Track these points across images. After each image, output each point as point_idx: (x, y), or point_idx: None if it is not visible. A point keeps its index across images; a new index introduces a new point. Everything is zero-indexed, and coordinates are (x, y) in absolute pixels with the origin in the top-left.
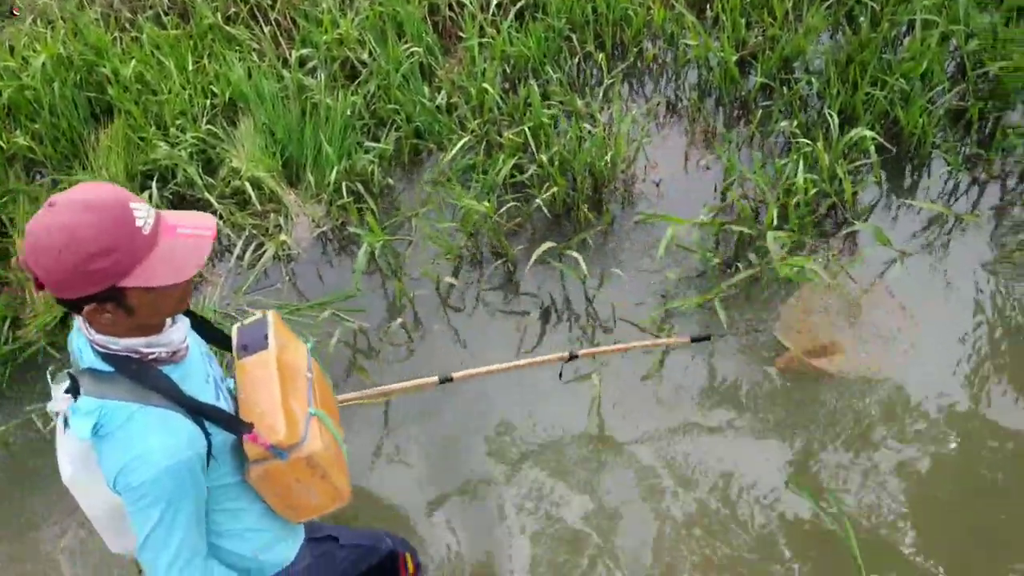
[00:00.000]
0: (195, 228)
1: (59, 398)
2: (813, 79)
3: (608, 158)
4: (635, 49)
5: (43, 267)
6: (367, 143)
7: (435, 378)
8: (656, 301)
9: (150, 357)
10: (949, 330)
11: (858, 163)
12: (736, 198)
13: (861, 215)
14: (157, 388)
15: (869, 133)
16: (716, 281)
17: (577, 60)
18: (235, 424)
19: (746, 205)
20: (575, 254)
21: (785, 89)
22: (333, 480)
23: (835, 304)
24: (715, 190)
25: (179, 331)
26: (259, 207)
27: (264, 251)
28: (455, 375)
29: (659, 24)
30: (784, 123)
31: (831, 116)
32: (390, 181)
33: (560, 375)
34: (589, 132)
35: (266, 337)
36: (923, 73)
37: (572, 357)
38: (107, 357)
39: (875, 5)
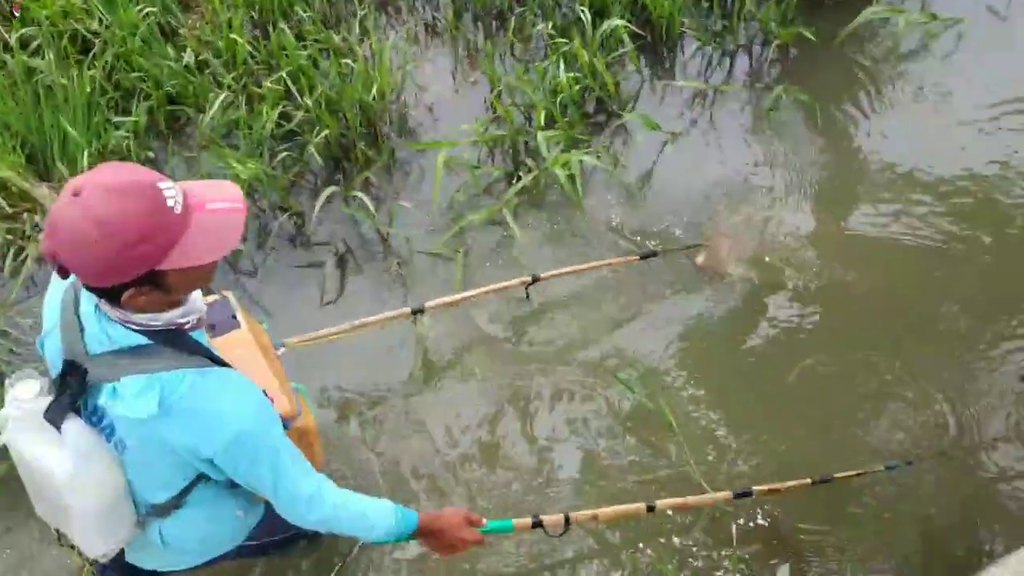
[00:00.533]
0: (224, 201)
1: (26, 400)
2: None
3: (375, 91)
4: None
5: (78, 261)
6: (116, 119)
7: (407, 309)
8: (449, 225)
9: (187, 326)
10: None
11: (616, 54)
12: (502, 109)
13: (627, 104)
14: (198, 352)
15: (620, 22)
16: (502, 193)
17: None
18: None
19: (512, 111)
20: (360, 194)
21: None
22: (316, 451)
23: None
24: (484, 103)
25: (199, 298)
26: (9, 210)
27: (25, 256)
28: (428, 305)
29: None
30: (540, 26)
31: (583, 12)
32: (150, 154)
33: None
34: (351, 68)
35: (234, 317)
36: None
37: (535, 280)
38: (146, 333)
39: None
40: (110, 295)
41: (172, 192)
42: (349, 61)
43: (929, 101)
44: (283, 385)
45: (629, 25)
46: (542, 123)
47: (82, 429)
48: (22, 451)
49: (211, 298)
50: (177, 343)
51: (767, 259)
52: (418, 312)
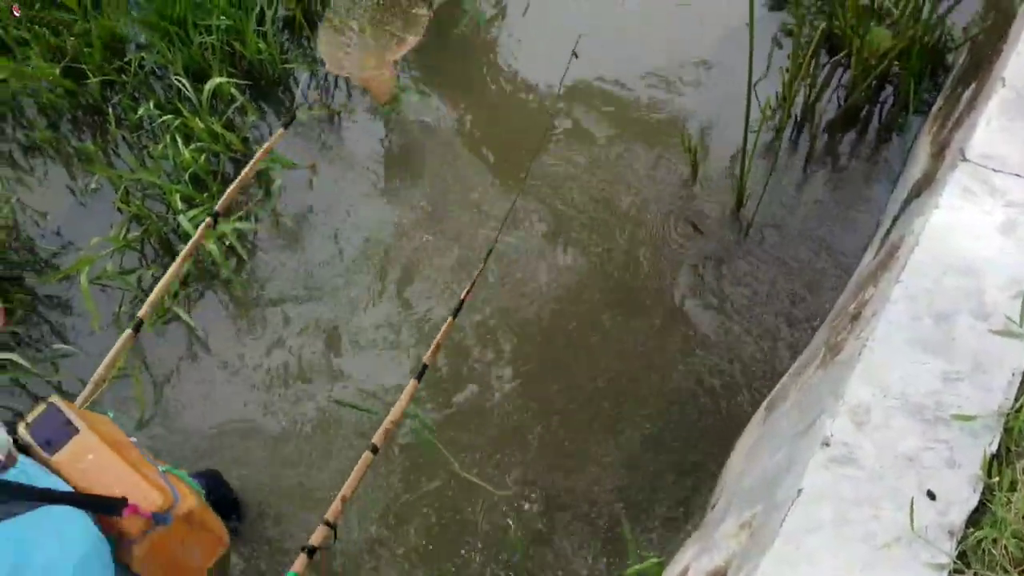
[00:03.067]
0: None
1: None
2: (145, 55)
3: None
4: None
5: None
6: None
7: None
8: None
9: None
10: None
11: (230, 111)
12: (135, 206)
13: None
14: (11, 495)
15: (222, 79)
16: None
17: None
18: (109, 503)
19: (144, 206)
20: (11, 356)
21: (124, 76)
22: (211, 527)
23: None
24: (114, 206)
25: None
26: None
27: None
28: None
29: None
30: (142, 109)
31: (181, 82)
32: None
33: None
34: None
35: (69, 423)
36: None
37: None
38: None
39: None
40: None
41: None
42: None
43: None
44: (148, 478)
45: (232, 79)
46: (179, 206)
47: None
48: None
49: (35, 412)
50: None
51: None
52: None
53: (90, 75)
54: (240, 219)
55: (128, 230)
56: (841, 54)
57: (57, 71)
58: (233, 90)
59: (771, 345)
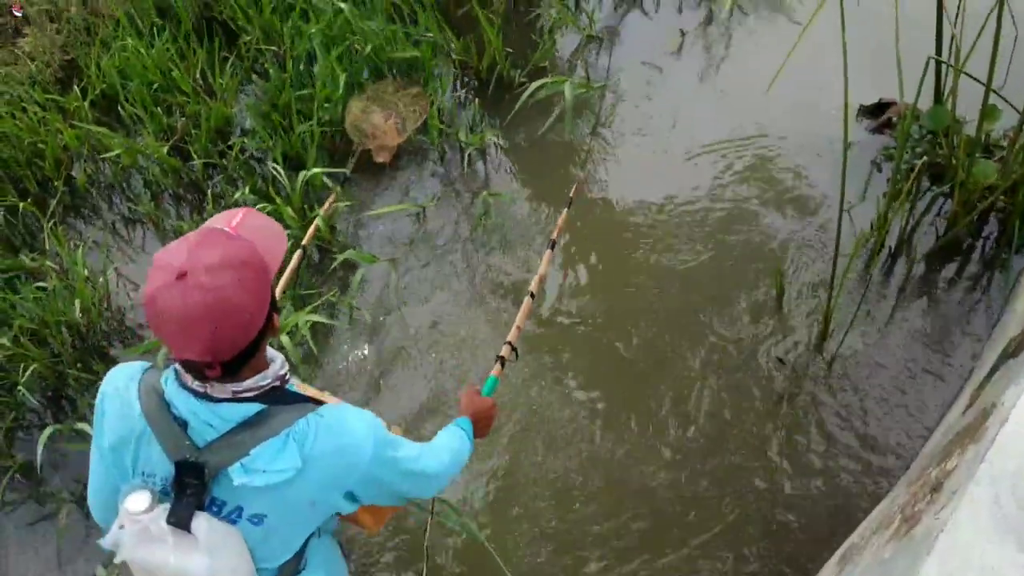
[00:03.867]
0: (236, 215)
1: (139, 513)
2: (247, 140)
3: (77, 308)
4: (62, 180)
5: (222, 336)
6: None
7: None
8: None
9: (286, 376)
10: None
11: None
12: None
13: (344, 244)
14: (298, 399)
15: (317, 170)
16: None
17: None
18: None
19: None
20: (84, 425)
21: (225, 160)
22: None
23: None
24: None
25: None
26: None
27: None
28: None
29: (75, 146)
30: (239, 193)
31: (277, 170)
32: None
33: None
34: (53, 288)
35: None
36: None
37: None
38: (258, 397)
39: (275, 47)
40: (232, 366)
41: (235, 221)
42: (44, 283)
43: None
44: None
45: (328, 168)
46: None
47: (211, 523)
48: (147, 562)
49: None
50: (281, 398)
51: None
52: None
53: (195, 156)
54: (316, 310)
55: None
56: (944, 186)
57: (165, 149)
58: (325, 179)
59: (845, 492)
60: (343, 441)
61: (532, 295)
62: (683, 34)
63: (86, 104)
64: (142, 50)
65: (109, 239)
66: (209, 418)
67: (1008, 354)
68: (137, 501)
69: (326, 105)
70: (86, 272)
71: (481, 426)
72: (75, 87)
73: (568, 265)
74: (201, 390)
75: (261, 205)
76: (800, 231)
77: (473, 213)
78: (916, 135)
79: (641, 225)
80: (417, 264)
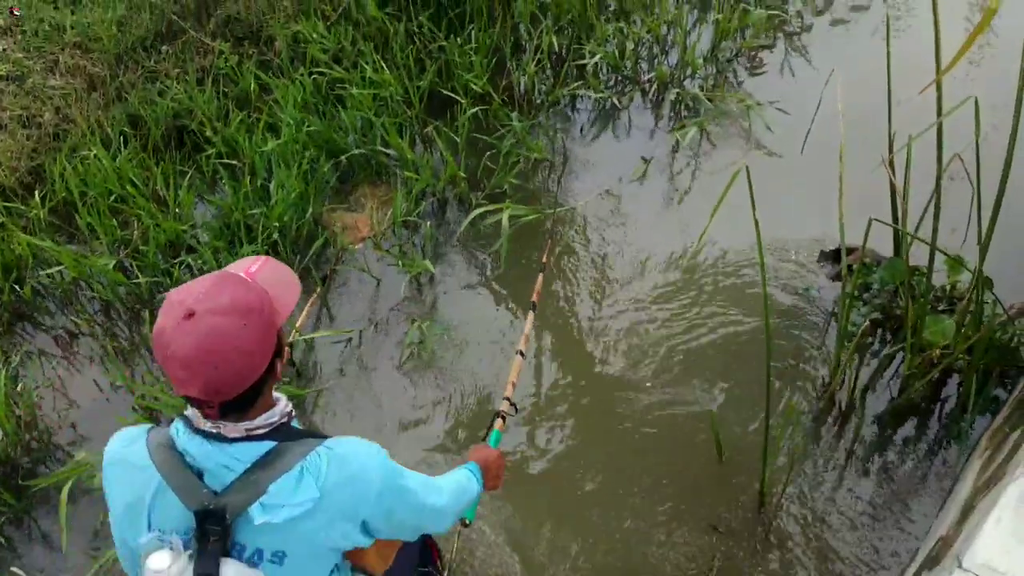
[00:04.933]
0: (254, 263)
1: (163, 571)
2: (191, 259)
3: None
4: (6, 290)
5: (229, 372)
6: None
7: None
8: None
9: (290, 412)
10: None
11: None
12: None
13: None
14: (303, 433)
15: None
16: None
17: None
18: None
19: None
20: None
21: (170, 279)
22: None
23: None
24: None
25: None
26: None
27: None
28: None
29: (27, 255)
30: None
31: None
32: None
33: None
34: None
35: None
36: None
37: None
38: (268, 434)
39: (236, 161)
40: (243, 402)
41: (253, 268)
42: None
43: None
44: None
45: None
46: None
47: (238, 568)
48: None
49: None
50: (290, 433)
51: None
52: None
53: (138, 273)
54: None
55: None
56: (898, 345)
57: (112, 264)
58: None
59: None
60: (354, 471)
61: (521, 354)
62: (646, 162)
63: (43, 212)
64: (103, 160)
65: (49, 351)
66: (225, 460)
67: (931, 559)
68: (159, 560)
69: (276, 224)
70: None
71: (491, 475)
72: (36, 194)
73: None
74: (214, 431)
75: None
76: (741, 383)
77: (407, 341)
78: (876, 286)
79: (586, 360)
80: (343, 395)
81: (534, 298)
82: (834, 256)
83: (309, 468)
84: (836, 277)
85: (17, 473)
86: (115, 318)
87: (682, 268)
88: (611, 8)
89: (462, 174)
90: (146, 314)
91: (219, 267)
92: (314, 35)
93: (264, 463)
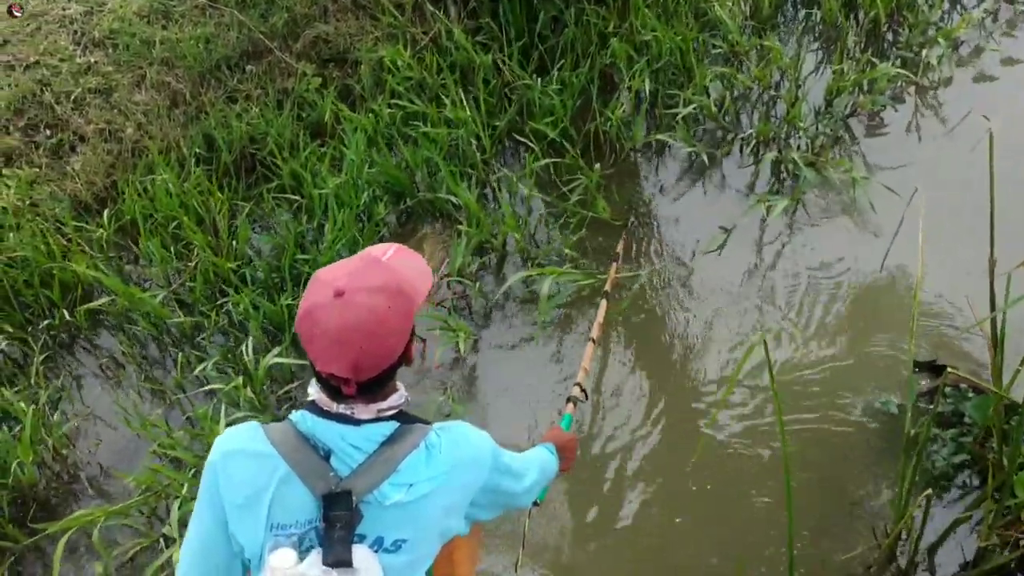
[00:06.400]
0: (384, 249)
1: (288, 569)
2: (231, 303)
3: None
4: (60, 313)
5: (376, 348)
6: None
7: None
8: None
9: (407, 397)
10: None
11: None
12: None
13: None
14: (421, 420)
15: (283, 360)
16: None
17: None
18: None
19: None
20: None
21: (213, 317)
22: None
23: None
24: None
25: None
26: None
27: None
28: None
29: (86, 280)
30: (200, 367)
31: (247, 355)
32: None
33: None
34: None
35: None
36: None
37: None
38: (395, 416)
39: (299, 196)
40: (380, 382)
41: (388, 256)
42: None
43: None
44: None
45: (293, 360)
46: (183, 492)
47: (368, 553)
48: None
49: None
50: (408, 417)
51: None
52: None
53: (180, 315)
54: None
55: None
56: (981, 500)
57: (159, 298)
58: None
59: None
60: (470, 451)
61: (594, 340)
62: (726, 232)
63: (110, 232)
64: (171, 183)
65: (92, 379)
66: (356, 440)
67: None
68: (284, 557)
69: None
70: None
71: (565, 456)
72: (105, 213)
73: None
74: (348, 412)
75: (219, 386)
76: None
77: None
78: (968, 419)
79: (630, 460)
80: None
81: (607, 287)
82: (931, 368)
83: (431, 446)
84: (929, 394)
85: (33, 508)
86: (160, 353)
87: (733, 371)
88: (718, 51)
89: (516, 235)
90: (179, 356)
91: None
92: (398, 63)
93: (389, 443)
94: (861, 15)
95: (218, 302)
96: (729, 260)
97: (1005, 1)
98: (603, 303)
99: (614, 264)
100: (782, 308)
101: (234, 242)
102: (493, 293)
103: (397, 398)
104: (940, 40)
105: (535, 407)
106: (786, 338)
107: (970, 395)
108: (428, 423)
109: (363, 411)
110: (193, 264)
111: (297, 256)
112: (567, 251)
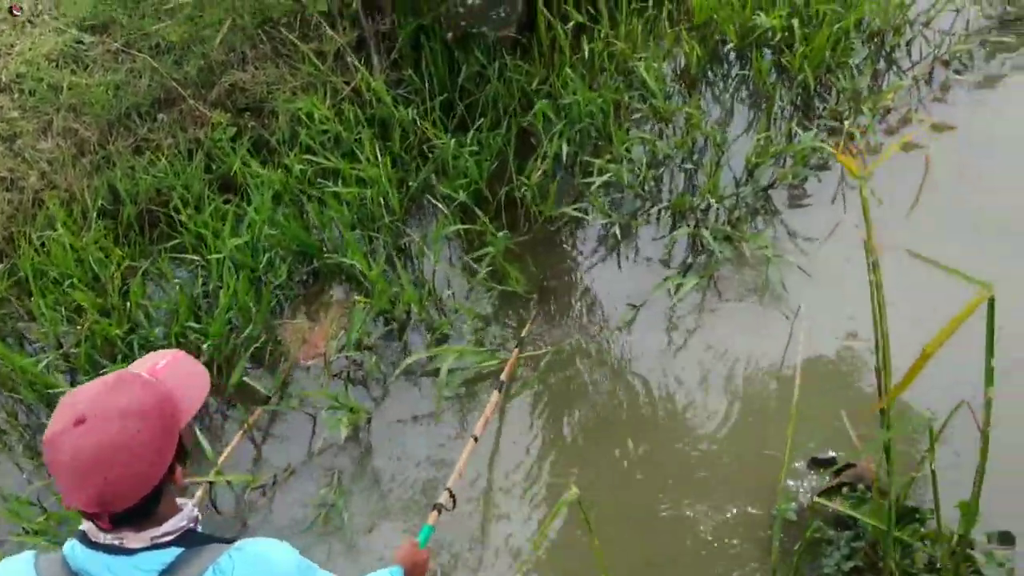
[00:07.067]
0: (163, 358)
1: None
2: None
3: None
4: None
5: (126, 478)
6: None
7: None
8: None
9: (196, 517)
10: None
11: None
12: None
13: None
14: (211, 539)
15: None
16: None
17: None
18: None
19: None
20: None
21: None
22: None
23: None
24: None
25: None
26: None
27: None
28: None
29: None
30: None
31: None
32: None
33: None
34: None
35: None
36: None
37: None
38: (175, 541)
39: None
40: (146, 508)
41: (147, 373)
42: None
43: None
44: None
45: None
46: None
47: None
48: None
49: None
50: (196, 539)
51: None
52: None
53: (59, 382)
54: None
55: None
56: None
57: (42, 364)
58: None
59: None
60: (267, 569)
61: (475, 438)
62: (635, 308)
63: (2, 289)
64: (66, 238)
65: None
66: (127, 573)
67: None
68: None
69: (210, 343)
70: None
71: (417, 574)
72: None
73: None
74: (117, 542)
75: None
76: None
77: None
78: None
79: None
80: None
81: (504, 376)
82: (829, 465)
83: (220, 571)
84: (825, 493)
85: None
86: (39, 422)
87: (635, 458)
88: (638, 115)
89: (415, 307)
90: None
91: None
92: (313, 115)
93: (173, 570)
94: (789, 80)
95: (102, 371)
96: (638, 338)
97: (940, 64)
98: (495, 395)
99: (516, 350)
100: (681, 396)
101: (127, 304)
102: (395, 364)
103: (179, 520)
104: (865, 109)
105: (424, 498)
106: (681, 426)
107: (868, 495)
108: (227, 542)
109: (134, 539)
110: (84, 327)
111: (188, 323)
112: (472, 322)
